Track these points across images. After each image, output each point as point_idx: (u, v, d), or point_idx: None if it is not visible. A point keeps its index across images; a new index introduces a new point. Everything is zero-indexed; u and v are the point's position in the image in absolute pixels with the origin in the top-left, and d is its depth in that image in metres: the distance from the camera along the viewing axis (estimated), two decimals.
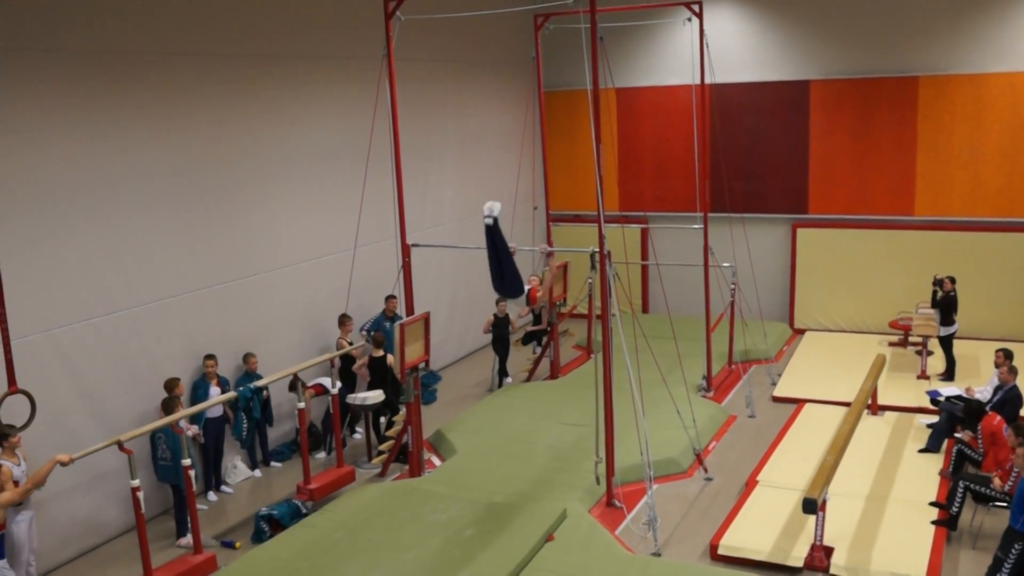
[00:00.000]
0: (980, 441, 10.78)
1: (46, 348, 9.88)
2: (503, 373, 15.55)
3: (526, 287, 10.79)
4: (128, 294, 10.78)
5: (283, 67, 12.82)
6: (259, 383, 11.30)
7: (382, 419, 13.06)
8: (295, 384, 11.57)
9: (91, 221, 10.31)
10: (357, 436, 13.62)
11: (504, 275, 10.28)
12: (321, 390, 12.36)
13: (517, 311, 15.70)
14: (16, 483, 8.67)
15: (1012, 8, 16.07)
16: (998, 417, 10.73)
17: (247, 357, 12.06)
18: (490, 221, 9.81)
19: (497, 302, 15.20)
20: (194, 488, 9.87)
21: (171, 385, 10.77)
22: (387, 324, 13.58)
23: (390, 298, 13.82)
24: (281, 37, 12.74)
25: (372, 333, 13.05)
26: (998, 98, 16.31)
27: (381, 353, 12.71)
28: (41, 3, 9.63)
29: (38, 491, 8.93)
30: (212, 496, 11.77)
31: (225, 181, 12.03)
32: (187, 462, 9.70)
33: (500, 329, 15.28)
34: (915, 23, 16.73)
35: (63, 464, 8.64)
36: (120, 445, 8.92)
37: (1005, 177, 16.48)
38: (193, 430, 11.17)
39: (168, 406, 10.25)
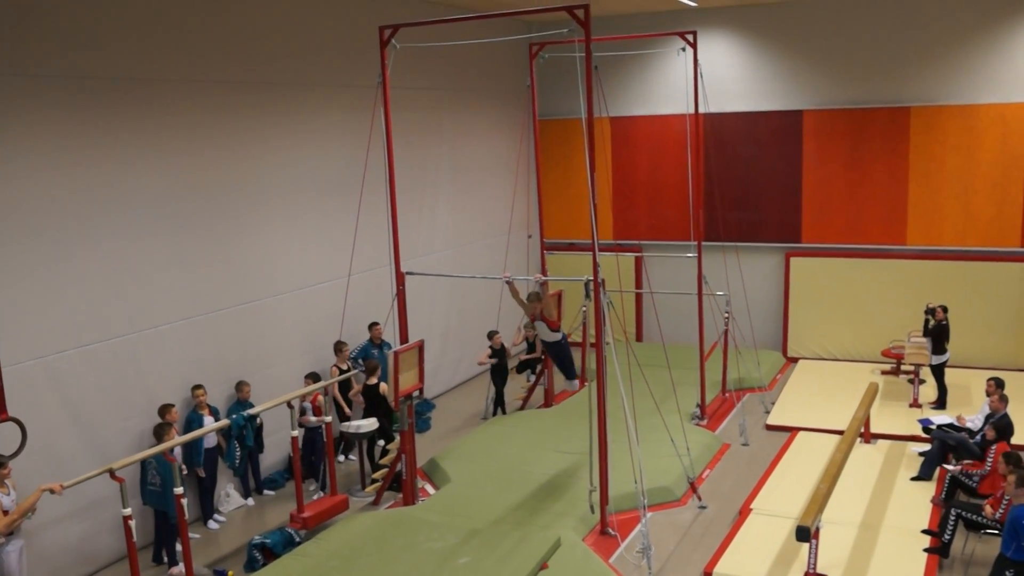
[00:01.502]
0: (989, 461, 10.78)
1: (39, 375, 9.86)
2: (499, 404, 15.48)
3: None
4: (123, 321, 10.78)
5: (279, 94, 12.90)
6: (252, 411, 11.29)
7: (379, 443, 13.02)
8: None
9: (85, 248, 10.32)
10: (350, 459, 13.64)
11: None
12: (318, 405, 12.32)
13: (512, 338, 15.74)
14: (5, 512, 8.62)
15: (1003, 40, 16.24)
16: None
17: (240, 385, 12.05)
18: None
19: (491, 335, 15.20)
20: (186, 516, 9.82)
21: (164, 411, 10.77)
22: (375, 352, 13.62)
23: (374, 325, 13.86)
24: (277, 64, 12.83)
25: (363, 361, 13.08)
26: (989, 129, 16.45)
27: (374, 381, 12.72)
28: (37, 29, 9.70)
29: (28, 520, 8.88)
30: (213, 524, 11.74)
31: (221, 208, 12.07)
32: (179, 490, 9.66)
33: (498, 359, 15.26)
34: (907, 54, 16.89)
35: (54, 493, 8.61)
36: (112, 473, 8.88)
37: (996, 207, 16.59)
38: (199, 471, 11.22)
39: (159, 433, 10.23)
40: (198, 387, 11.45)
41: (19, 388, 9.27)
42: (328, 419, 11.80)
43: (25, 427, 8.94)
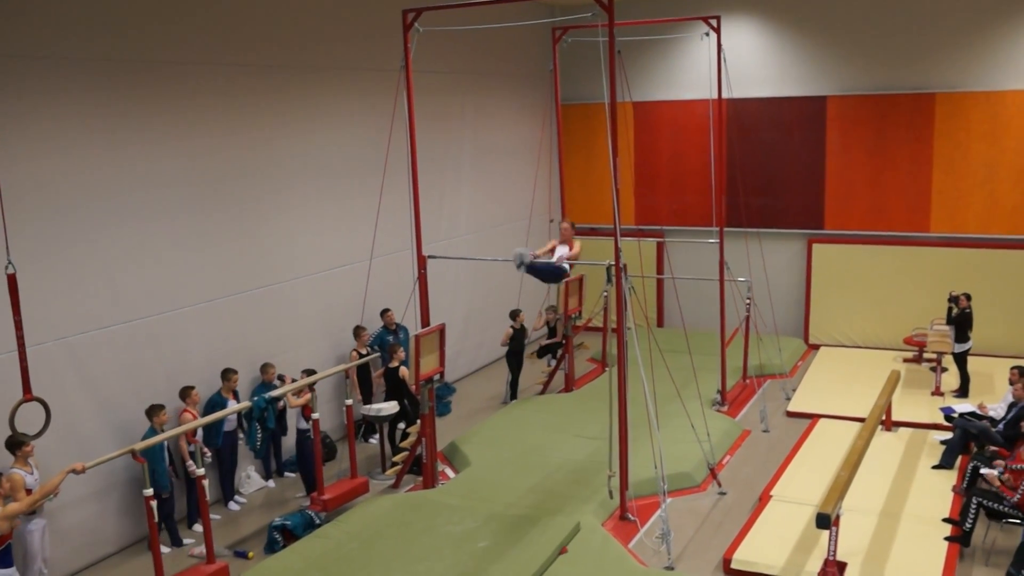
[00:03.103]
0: None
1: (61, 356, 9.94)
2: (513, 389, 15.50)
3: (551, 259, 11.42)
4: (144, 303, 10.84)
5: (302, 78, 12.91)
6: (274, 393, 11.35)
7: (400, 426, 13.07)
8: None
9: (108, 229, 10.38)
10: (371, 442, 13.73)
11: (545, 276, 11.36)
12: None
13: (532, 323, 15.75)
14: (28, 492, 8.69)
15: None
16: None
17: (265, 367, 12.08)
18: (523, 269, 10.73)
19: (515, 314, 15.19)
20: (207, 497, 9.89)
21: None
22: (389, 338, 13.67)
23: (386, 312, 13.91)
24: (300, 48, 12.84)
25: (387, 347, 13.12)
26: (1015, 116, 16.26)
27: (396, 364, 12.76)
28: (60, 11, 9.73)
29: (50, 501, 8.94)
30: (234, 505, 11.83)
31: (243, 191, 12.10)
32: (201, 471, 9.76)
33: (516, 342, 15.26)
34: (932, 40, 16.71)
35: (77, 473, 8.67)
36: (134, 454, 8.96)
37: (1021, 195, 16.42)
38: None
39: (149, 414, 10.26)
40: (232, 371, 11.46)
41: (41, 368, 9.34)
42: (348, 402, 11.84)
43: (49, 407, 9.04)
